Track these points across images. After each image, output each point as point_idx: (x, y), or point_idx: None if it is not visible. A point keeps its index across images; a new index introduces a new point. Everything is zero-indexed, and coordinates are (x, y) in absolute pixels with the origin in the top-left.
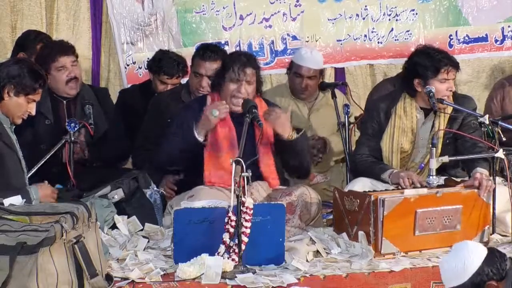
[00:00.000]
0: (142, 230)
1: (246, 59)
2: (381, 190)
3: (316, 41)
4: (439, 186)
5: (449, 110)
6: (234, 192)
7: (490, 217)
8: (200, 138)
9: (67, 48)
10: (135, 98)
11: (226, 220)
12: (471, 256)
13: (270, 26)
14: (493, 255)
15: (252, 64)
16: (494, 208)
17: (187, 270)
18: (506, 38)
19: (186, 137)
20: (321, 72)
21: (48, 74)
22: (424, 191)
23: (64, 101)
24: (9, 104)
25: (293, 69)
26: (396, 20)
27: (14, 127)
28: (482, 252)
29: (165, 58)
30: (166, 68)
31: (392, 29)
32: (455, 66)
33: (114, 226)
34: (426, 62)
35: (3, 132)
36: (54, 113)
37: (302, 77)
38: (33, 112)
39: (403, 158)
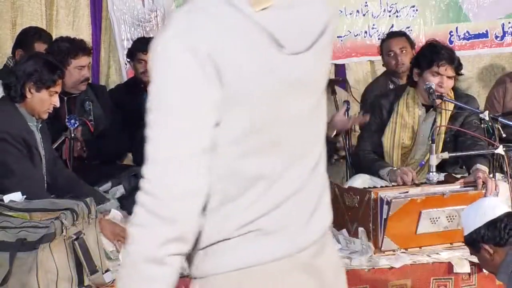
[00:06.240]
0: None
1: None
2: (381, 186)
3: None
4: (439, 182)
5: (450, 107)
6: None
7: None
8: None
9: (88, 50)
10: (123, 96)
11: None
12: (479, 213)
13: None
14: (500, 221)
15: None
16: None
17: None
18: (506, 35)
19: None
20: None
21: (64, 69)
22: (430, 189)
23: (65, 98)
24: (32, 101)
25: None
26: (397, 16)
27: (41, 125)
28: (490, 214)
29: (138, 39)
30: (139, 44)
31: (392, 26)
32: (451, 63)
33: None
34: (427, 53)
35: (29, 131)
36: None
37: None
38: (57, 104)
39: (403, 153)
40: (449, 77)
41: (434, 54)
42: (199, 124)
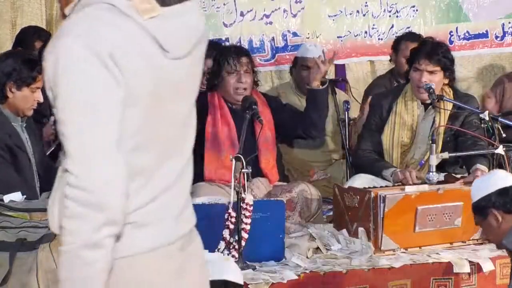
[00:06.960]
0: None
1: (237, 49)
2: (381, 186)
3: (317, 37)
4: (439, 182)
5: (449, 106)
6: (234, 188)
7: None
8: None
9: None
10: None
11: (226, 217)
12: (491, 182)
13: (270, 23)
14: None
15: (245, 52)
16: None
17: None
18: (506, 35)
19: None
20: None
21: None
22: (425, 187)
23: None
24: (14, 100)
25: (299, 63)
26: (397, 16)
27: (25, 124)
28: (501, 183)
29: None
30: None
31: (392, 26)
32: (428, 57)
33: None
34: (413, 51)
35: (13, 133)
36: (52, 110)
37: (309, 69)
38: (41, 99)
39: (403, 152)
40: (429, 72)
41: (417, 51)
42: (110, 118)
